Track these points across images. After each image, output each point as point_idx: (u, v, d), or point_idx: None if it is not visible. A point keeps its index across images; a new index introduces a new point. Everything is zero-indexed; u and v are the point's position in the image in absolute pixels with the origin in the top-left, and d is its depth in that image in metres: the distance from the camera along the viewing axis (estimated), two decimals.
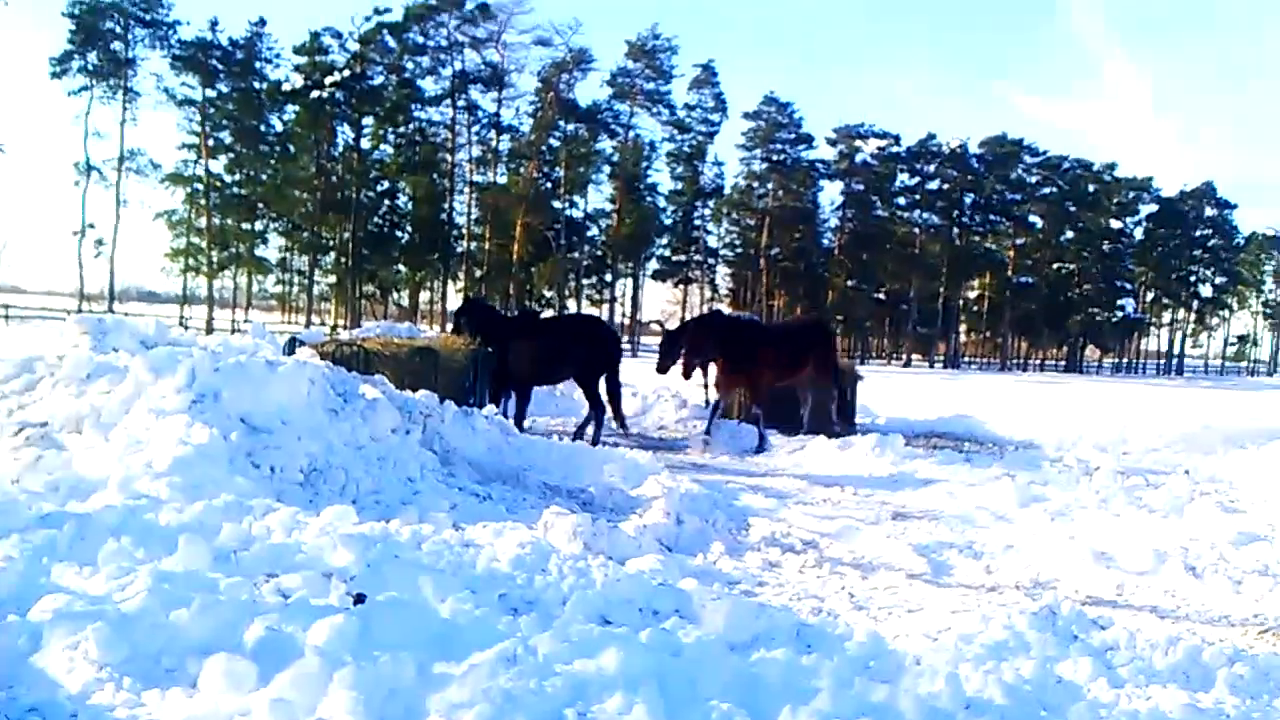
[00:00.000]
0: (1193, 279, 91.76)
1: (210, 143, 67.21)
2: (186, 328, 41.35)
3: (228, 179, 69.09)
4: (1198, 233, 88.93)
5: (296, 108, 67.18)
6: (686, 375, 14.93)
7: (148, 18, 63.93)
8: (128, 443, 7.48)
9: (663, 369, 14.85)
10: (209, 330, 53.09)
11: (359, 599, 4.61)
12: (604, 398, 15.15)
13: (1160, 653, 5.37)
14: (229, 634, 4.01)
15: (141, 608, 4.07)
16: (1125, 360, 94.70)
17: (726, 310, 41.84)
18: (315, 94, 65.18)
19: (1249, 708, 4.74)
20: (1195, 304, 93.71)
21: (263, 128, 68.93)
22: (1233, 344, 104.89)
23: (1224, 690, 5.08)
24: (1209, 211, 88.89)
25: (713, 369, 15.70)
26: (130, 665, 3.81)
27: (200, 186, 66.98)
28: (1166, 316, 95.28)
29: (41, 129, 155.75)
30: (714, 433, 14.71)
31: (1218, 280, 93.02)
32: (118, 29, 63.44)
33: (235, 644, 3.93)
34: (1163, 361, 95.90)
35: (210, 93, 66.85)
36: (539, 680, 3.76)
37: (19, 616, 4.08)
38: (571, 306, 70.85)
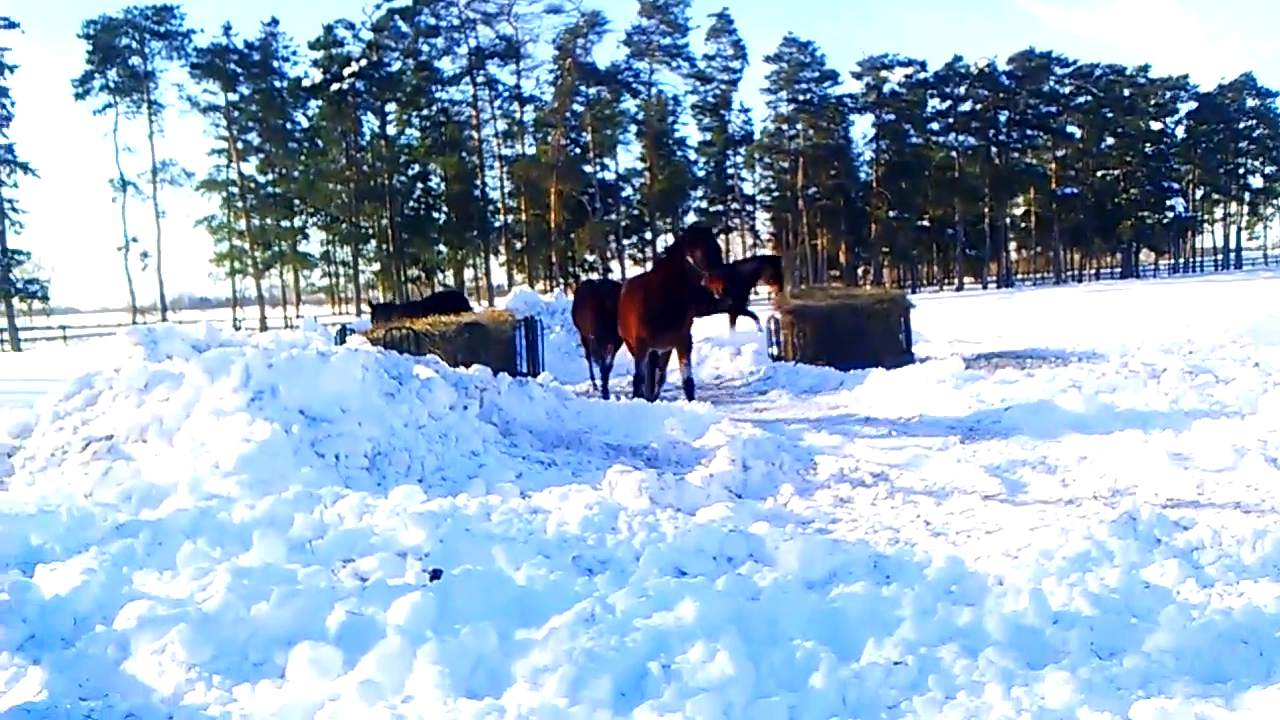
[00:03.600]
0: (1241, 171, 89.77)
1: (239, 145, 67.83)
2: (239, 329, 41.95)
3: (261, 179, 69.69)
4: (1241, 125, 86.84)
5: (319, 102, 67.65)
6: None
7: (162, 30, 64.49)
8: (192, 446, 7.57)
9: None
10: (263, 329, 53.75)
11: (435, 574, 4.64)
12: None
13: (1248, 547, 5.25)
14: (311, 622, 4.04)
15: (222, 605, 4.12)
16: (1182, 260, 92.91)
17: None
18: (336, 86, 65.52)
19: None
20: (1247, 196, 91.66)
21: (288, 125, 69.47)
22: None
23: None
24: (1251, 102, 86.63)
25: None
26: (218, 662, 3.86)
27: (235, 190, 67.64)
28: (1219, 212, 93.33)
29: (74, 149, 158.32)
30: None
31: (1267, 170, 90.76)
32: (134, 44, 64.09)
33: (318, 631, 3.97)
34: (1220, 258, 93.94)
35: (232, 96, 67.48)
36: (619, 637, 3.76)
37: (105, 626, 4.14)
38: (614, 268, 70.87)
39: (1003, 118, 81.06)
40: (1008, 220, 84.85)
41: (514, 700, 3.40)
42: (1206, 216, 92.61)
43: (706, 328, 16.90)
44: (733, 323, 13.85)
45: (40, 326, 64.92)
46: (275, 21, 68.35)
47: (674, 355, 12.44)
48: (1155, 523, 5.57)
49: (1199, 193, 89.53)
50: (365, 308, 67.01)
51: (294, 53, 69.12)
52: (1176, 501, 7.02)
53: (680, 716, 3.24)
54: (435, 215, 71.89)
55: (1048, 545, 5.47)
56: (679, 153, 76.37)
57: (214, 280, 72.97)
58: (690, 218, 78.34)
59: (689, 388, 11.90)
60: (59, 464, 7.94)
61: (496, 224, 72.53)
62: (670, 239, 75.20)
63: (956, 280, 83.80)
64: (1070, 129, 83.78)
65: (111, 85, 64.13)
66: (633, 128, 74.59)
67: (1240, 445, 8.02)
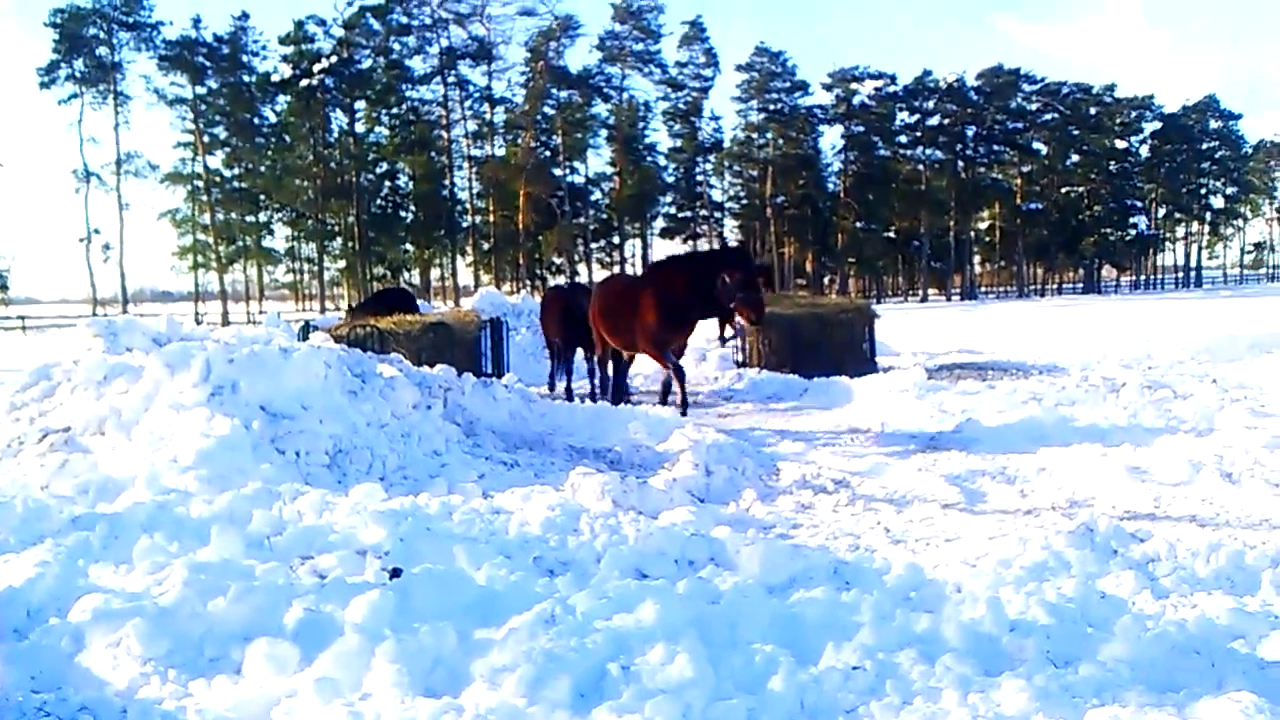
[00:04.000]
0: (1203, 191, 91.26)
1: (205, 139, 67.29)
2: (201, 323, 41.60)
3: (227, 173, 69.20)
4: (1204, 145, 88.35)
5: (288, 98, 67.23)
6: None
7: (130, 20, 63.92)
8: (150, 440, 7.50)
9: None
10: (225, 324, 53.31)
11: (395, 573, 4.61)
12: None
13: (1202, 560, 5.33)
14: (268, 618, 4.01)
15: (179, 600, 4.07)
16: (1143, 277, 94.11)
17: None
18: (305, 82, 65.17)
19: None
20: (1208, 216, 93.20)
21: (256, 120, 69.00)
22: (1249, 252, 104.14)
23: (1270, 592, 5.05)
24: (1214, 124, 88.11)
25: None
26: (174, 657, 3.82)
27: (200, 183, 67.14)
28: (1180, 231, 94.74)
29: (38, 139, 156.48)
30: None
31: (1229, 191, 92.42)
32: (101, 34, 63.45)
33: (276, 628, 3.94)
34: (1180, 275, 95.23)
35: (200, 90, 67.00)
36: (579, 638, 3.75)
37: (60, 618, 4.10)
38: (582, 271, 70.87)
39: (970, 132, 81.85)
40: (972, 234, 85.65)
41: (472, 699, 3.38)
42: (1168, 235, 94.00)
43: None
44: (723, 328, 13.63)
45: None
46: (245, 16, 68.03)
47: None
48: (1112, 534, 5.63)
49: (1161, 211, 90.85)
50: (330, 305, 66.97)
51: (264, 47, 68.86)
52: (1133, 514, 7.09)
53: (639, 718, 3.23)
54: (403, 214, 71.64)
55: (1006, 554, 5.52)
56: (649, 158, 76.58)
57: (176, 274, 72.58)
58: (659, 223, 78.63)
59: (682, 376, 12.01)
60: (15, 455, 7.83)
61: (464, 224, 72.37)
62: (637, 244, 75.56)
63: (921, 292, 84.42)
64: (1036, 145, 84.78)
65: (78, 75, 63.49)
66: (603, 132, 74.77)
67: (1197, 460, 8.13)
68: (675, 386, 11.92)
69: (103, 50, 63.69)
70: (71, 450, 7.65)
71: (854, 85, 79.08)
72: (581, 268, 72.53)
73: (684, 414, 11.09)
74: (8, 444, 7.98)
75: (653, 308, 11.79)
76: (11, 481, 7.18)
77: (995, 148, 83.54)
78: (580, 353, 15.00)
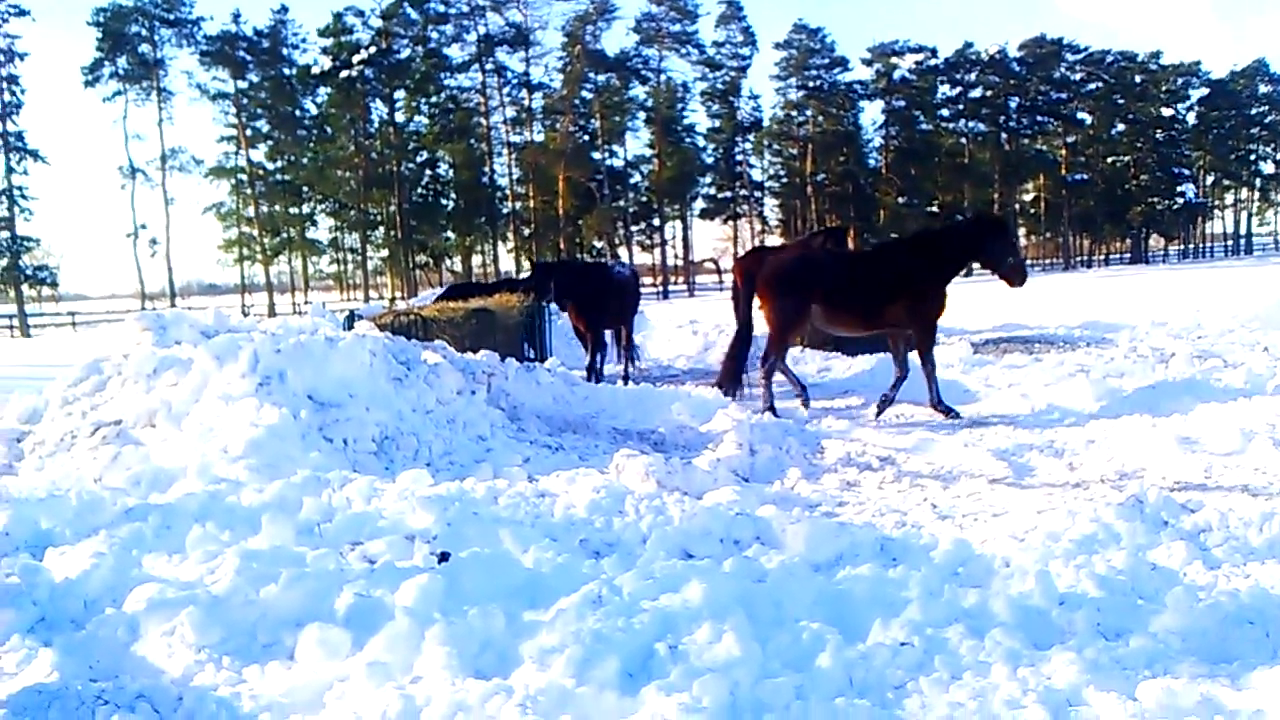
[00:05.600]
0: (1252, 157, 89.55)
1: (248, 133, 67.84)
2: (247, 315, 42.04)
3: (270, 166, 69.70)
4: (1253, 111, 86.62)
5: (328, 89, 67.59)
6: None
7: (171, 17, 64.42)
8: (201, 431, 7.60)
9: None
10: (271, 315, 53.86)
11: (443, 557, 4.66)
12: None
13: (1255, 530, 5.25)
14: (320, 604, 4.07)
15: (231, 588, 4.14)
16: (1191, 246, 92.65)
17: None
18: (345, 74, 65.45)
19: None
20: (1258, 182, 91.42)
21: (297, 112, 69.43)
22: None
23: None
24: (1263, 89, 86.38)
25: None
26: (227, 644, 3.88)
27: (244, 177, 67.72)
28: (1229, 198, 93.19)
29: (84, 137, 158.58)
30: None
31: (1279, 156, 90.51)
32: (143, 32, 64.06)
33: (327, 613, 3.99)
34: (1230, 243, 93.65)
35: (242, 84, 67.42)
36: (626, 618, 3.77)
37: (115, 608, 4.18)
38: (623, 254, 70.83)
39: (1013, 104, 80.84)
40: (1017, 206, 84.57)
41: (521, 681, 3.40)
42: (1217, 202, 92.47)
43: (701, 311, 16.84)
44: None
45: (49, 313, 65.34)
46: (284, 9, 68.30)
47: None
48: (1162, 505, 5.56)
49: (1209, 179, 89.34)
50: (374, 294, 67.41)
51: (303, 40, 69.13)
52: (1184, 485, 7.01)
53: (687, 697, 3.24)
54: (444, 202, 71.92)
55: (1054, 528, 5.47)
56: (687, 139, 76.21)
57: (222, 267, 73.15)
58: (699, 204, 78.33)
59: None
60: (68, 449, 7.97)
61: (505, 210, 72.54)
62: (677, 226, 75.35)
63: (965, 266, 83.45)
64: (1081, 115, 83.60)
65: (121, 73, 64.17)
66: (641, 114, 74.54)
67: (1248, 429, 8.00)
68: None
69: (145, 47, 64.33)
70: (123, 443, 7.77)
71: (894, 60, 78.32)
72: (622, 251, 72.49)
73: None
74: (61, 438, 8.12)
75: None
76: (65, 475, 7.29)
77: (1039, 119, 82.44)
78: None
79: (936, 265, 10.67)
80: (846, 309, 10.68)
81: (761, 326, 11.47)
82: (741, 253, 15.35)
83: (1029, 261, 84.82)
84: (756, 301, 11.17)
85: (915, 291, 10.51)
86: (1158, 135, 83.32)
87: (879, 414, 10.57)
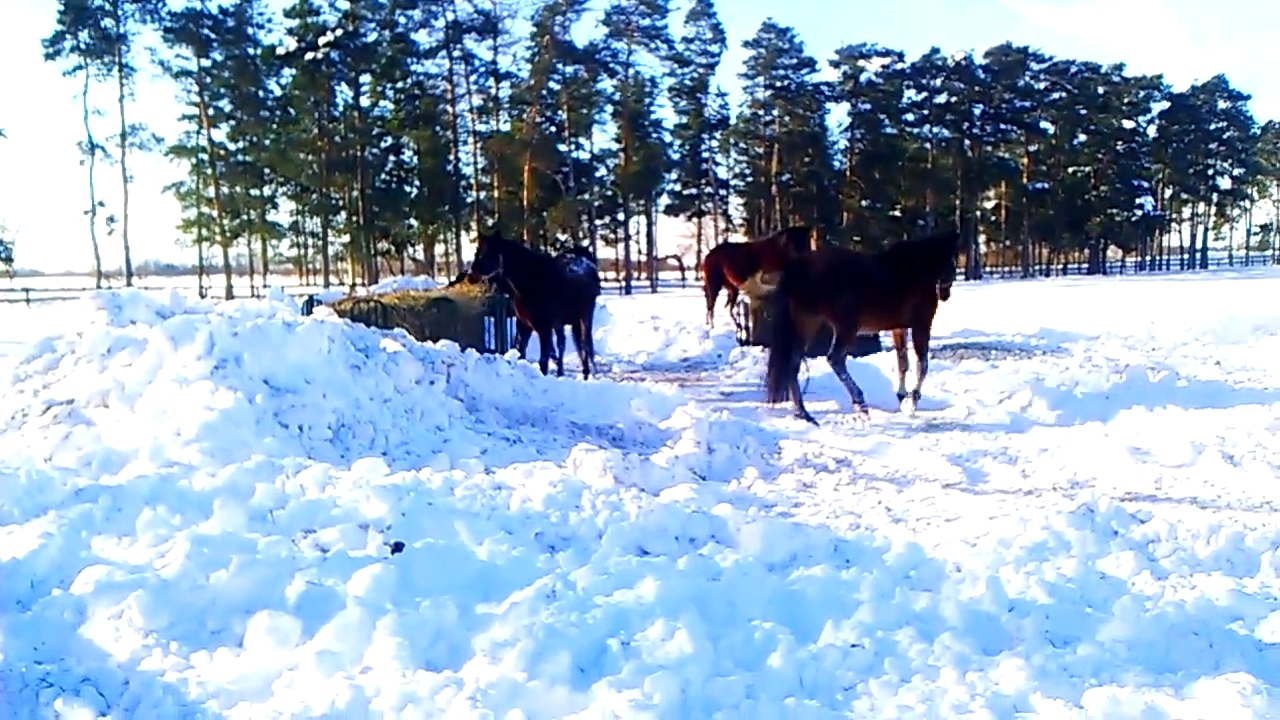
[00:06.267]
0: (1210, 172, 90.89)
1: (210, 112, 66.90)
2: (205, 296, 41.57)
3: (231, 147, 68.79)
4: (1212, 126, 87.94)
5: (293, 71, 66.76)
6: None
7: None
8: (154, 413, 7.51)
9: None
10: (229, 297, 53.32)
11: (397, 547, 4.63)
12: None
13: (1202, 542, 5.34)
14: (270, 591, 4.03)
15: (181, 572, 4.09)
16: (1148, 258, 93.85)
17: None
18: (310, 56, 64.75)
19: None
20: (1215, 197, 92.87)
21: (261, 93, 68.55)
22: (1255, 234, 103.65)
23: (1270, 574, 5.07)
24: (1222, 104, 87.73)
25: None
26: (175, 629, 3.84)
27: (205, 156, 66.76)
28: (1186, 212, 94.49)
29: (43, 111, 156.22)
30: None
31: (1236, 172, 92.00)
32: (106, 5, 62.92)
33: (277, 601, 3.96)
34: (1186, 257, 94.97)
35: (205, 62, 66.37)
36: (579, 614, 3.77)
37: (62, 590, 4.12)
38: (586, 244, 70.66)
39: (977, 111, 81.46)
40: (978, 213, 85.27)
41: (473, 673, 3.40)
42: (1174, 216, 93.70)
43: (663, 307, 16.83)
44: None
45: (2, 289, 64.15)
46: None
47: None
48: (1113, 515, 5.64)
49: (1168, 192, 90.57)
50: (334, 280, 66.86)
51: (269, 20, 68.18)
52: (1134, 495, 7.11)
53: (638, 693, 3.25)
54: (407, 189, 71.39)
55: (1006, 534, 5.53)
56: (654, 134, 76.10)
57: (181, 247, 72.35)
58: (664, 200, 78.32)
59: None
60: (18, 427, 7.85)
61: (469, 200, 72.11)
62: (642, 221, 75.36)
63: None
64: (1044, 124, 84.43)
65: (83, 46, 63.06)
66: (609, 108, 74.26)
67: (1198, 441, 8.13)
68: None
69: (108, 22, 63.25)
70: (75, 423, 7.66)
71: (861, 62, 78.61)
72: (586, 244, 72.34)
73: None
74: (11, 416, 7.99)
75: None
76: (15, 453, 7.18)
77: (1002, 126, 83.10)
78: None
79: (937, 268, 11.53)
80: (884, 306, 11.42)
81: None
82: (787, 255, 15.47)
83: (988, 269, 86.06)
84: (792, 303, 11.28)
85: (925, 292, 11.46)
86: (1118, 147, 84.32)
87: (916, 406, 11.15)
